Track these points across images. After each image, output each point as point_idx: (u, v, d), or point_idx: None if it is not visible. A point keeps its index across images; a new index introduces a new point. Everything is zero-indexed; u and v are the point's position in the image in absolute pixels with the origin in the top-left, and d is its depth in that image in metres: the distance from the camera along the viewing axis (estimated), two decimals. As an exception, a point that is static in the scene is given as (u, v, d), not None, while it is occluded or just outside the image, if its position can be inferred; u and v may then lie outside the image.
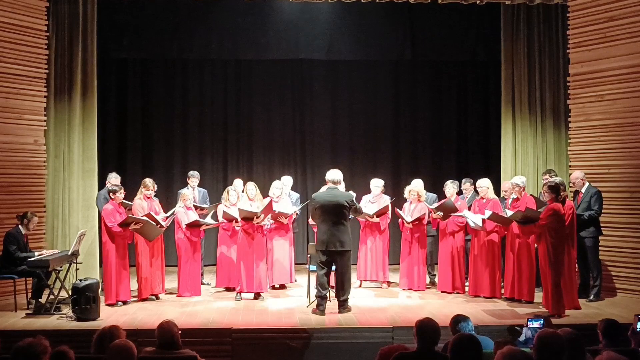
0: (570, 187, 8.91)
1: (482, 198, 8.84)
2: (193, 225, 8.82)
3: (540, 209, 8.02)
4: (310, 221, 9.40)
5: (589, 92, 9.51)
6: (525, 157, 10.16)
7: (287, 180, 9.83)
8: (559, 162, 10.00)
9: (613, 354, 3.64)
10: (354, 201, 7.96)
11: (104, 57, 10.59)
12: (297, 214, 9.64)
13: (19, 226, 8.26)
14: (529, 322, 5.42)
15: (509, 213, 8.14)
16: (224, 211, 8.84)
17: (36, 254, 8.30)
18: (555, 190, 7.57)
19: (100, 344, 4.47)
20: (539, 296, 8.12)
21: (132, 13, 11.16)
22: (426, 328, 4.34)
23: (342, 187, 8.32)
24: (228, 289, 9.14)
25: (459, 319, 5.09)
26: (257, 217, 8.50)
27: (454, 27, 11.82)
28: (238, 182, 9.67)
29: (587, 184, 8.72)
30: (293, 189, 10.15)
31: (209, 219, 9.06)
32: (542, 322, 5.34)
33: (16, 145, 9.13)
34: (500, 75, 10.51)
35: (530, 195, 8.65)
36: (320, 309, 7.73)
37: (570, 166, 9.75)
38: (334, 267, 7.85)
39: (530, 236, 8.06)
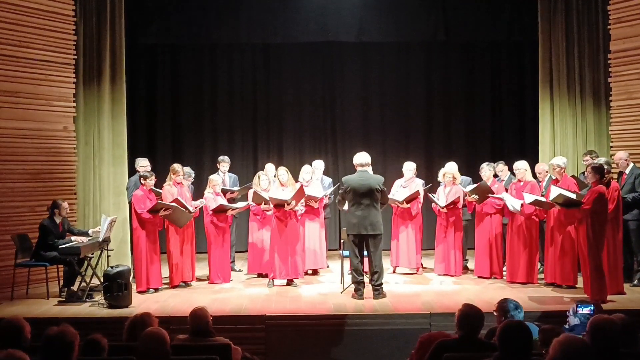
0: (614, 168, 8.59)
1: (519, 180, 8.58)
2: (219, 211, 8.68)
3: (582, 190, 7.73)
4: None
5: (631, 69, 9.21)
6: (564, 138, 9.86)
7: (318, 164, 9.65)
8: (600, 142, 9.69)
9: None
10: (383, 185, 7.76)
11: (132, 43, 10.51)
12: (329, 198, 9.47)
13: (53, 216, 8.21)
14: (578, 309, 5.14)
15: (553, 193, 7.75)
16: (254, 192, 8.69)
17: (89, 232, 8.34)
18: (600, 171, 7.25)
19: (132, 331, 4.43)
20: (580, 281, 7.83)
21: (160, -2, 11.08)
22: (469, 315, 4.17)
23: (370, 169, 8.09)
24: (260, 275, 9.02)
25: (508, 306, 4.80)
26: (288, 204, 8.34)
27: (488, 7, 11.47)
28: (269, 167, 9.51)
29: (631, 164, 8.39)
30: (324, 173, 9.96)
31: (239, 204, 8.94)
32: (592, 308, 5.07)
33: (45, 132, 9.09)
34: (536, 54, 10.21)
35: (572, 176, 8.36)
36: (358, 293, 7.62)
37: (611, 146, 9.44)
38: (365, 252, 7.68)
39: (573, 220, 7.76)
